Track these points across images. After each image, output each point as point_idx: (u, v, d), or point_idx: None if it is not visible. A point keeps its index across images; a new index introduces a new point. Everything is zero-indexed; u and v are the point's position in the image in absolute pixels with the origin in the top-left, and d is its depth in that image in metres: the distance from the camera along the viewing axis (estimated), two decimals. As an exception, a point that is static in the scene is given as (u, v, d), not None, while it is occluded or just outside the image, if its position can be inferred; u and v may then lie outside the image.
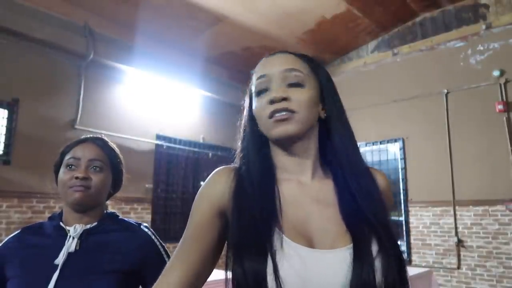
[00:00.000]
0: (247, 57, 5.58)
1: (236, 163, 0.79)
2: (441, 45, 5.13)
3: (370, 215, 0.68)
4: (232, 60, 5.73)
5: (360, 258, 0.63)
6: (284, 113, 0.69)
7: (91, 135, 1.18)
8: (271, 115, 0.70)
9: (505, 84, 4.55)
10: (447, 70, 5.01)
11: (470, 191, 4.62)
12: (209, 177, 0.76)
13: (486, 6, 4.86)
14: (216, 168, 0.78)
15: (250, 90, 0.80)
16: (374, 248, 0.65)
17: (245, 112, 0.82)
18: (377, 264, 0.63)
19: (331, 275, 0.62)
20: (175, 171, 5.49)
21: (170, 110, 5.42)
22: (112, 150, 1.16)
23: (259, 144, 0.77)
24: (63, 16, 4.22)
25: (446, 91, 4.94)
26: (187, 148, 5.58)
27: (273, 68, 0.74)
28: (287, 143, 0.73)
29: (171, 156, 5.42)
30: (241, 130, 0.82)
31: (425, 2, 5.09)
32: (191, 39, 5.18)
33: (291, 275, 0.61)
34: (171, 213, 5.32)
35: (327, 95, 0.77)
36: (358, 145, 0.78)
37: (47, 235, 1.06)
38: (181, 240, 0.74)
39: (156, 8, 4.50)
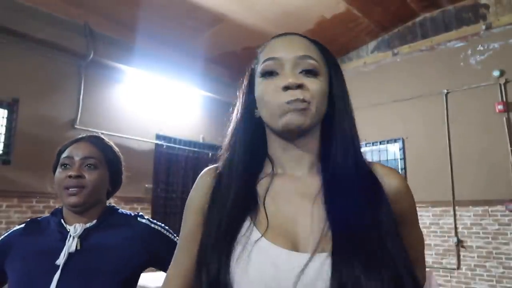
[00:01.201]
0: (247, 57, 5.54)
1: (221, 154, 0.74)
2: (441, 45, 5.13)
3: (361, 224, 0.59)
4: (232, 60, 5.73)
5: (339, 272, 0.54)
6: (301, 103, 0.62)
7: (88, 134, 1.18)
8: (286, 103, 0.62)
9: (505, 84, 4.54)
10: (447, 70, 5.00)
11: (470, 191, 4.61)
12: (195, 181, 0.74)
13: (486, 6, 4.86)
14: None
15: (253, 70, 0.73)
16: (359, 264, 0.55)
17: (242, 94, 0.73)
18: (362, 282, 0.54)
19: (305, 283, 0.56)
20: (175, 171, 5.49)
21: (170, 110, 5.42)
22: (108, 147, 1.15)
23: (251, 132, 0.71)
24: (63, 16, 4.22)
25: (446, 91, 4.94)
26: (187, 148, 5.58)
27: (286, 52, 0.67)
28: (292, 136, 0.67)
29: (171, 156, 5.42)
30: (234, 115, 0.73)
31: (425, 2, 5.08)
32: (191, 39, 5.17)
33: (258, 280, 0.57)
34: (171, 213, 5.32)
35: (336, 88, 0.70)
36: (361, 145, 0.71)
37: (49, 233, 1.06)
38: (175, 251, 0.74)
39: (156, 8, 4.49)
